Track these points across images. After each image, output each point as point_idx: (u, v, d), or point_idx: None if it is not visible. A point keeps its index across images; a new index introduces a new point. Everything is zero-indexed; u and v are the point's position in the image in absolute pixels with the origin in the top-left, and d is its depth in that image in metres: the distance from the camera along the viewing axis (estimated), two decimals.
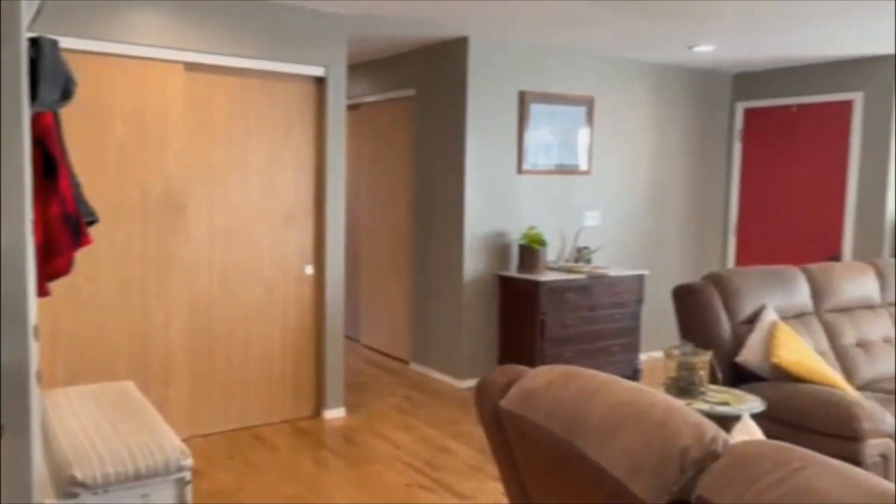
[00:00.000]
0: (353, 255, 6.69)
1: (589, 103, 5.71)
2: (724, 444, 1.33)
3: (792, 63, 5.93)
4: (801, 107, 6.03)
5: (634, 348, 5.51)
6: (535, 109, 5.44)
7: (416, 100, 5.69)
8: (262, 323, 4.40)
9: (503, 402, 1.83)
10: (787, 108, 6.14)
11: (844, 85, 5.71)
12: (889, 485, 1.07)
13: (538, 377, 1.80)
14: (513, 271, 5.36)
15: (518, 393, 1.79)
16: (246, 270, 4.33)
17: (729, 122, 6.57)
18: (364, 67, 6.30)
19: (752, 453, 1.25)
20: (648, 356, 6.16)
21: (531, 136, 5.44)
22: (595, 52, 5.62)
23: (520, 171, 5.41)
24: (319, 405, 4.63)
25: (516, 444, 1.80)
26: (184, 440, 4.12)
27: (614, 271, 5.42)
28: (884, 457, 2.89)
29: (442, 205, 5.44)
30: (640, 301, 5.50)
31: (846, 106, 5.70)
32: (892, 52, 5.36)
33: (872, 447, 2.85)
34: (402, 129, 5.94)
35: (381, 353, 6.34)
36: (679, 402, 1.48)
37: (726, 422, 2.65)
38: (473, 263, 5.28)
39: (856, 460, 2.84)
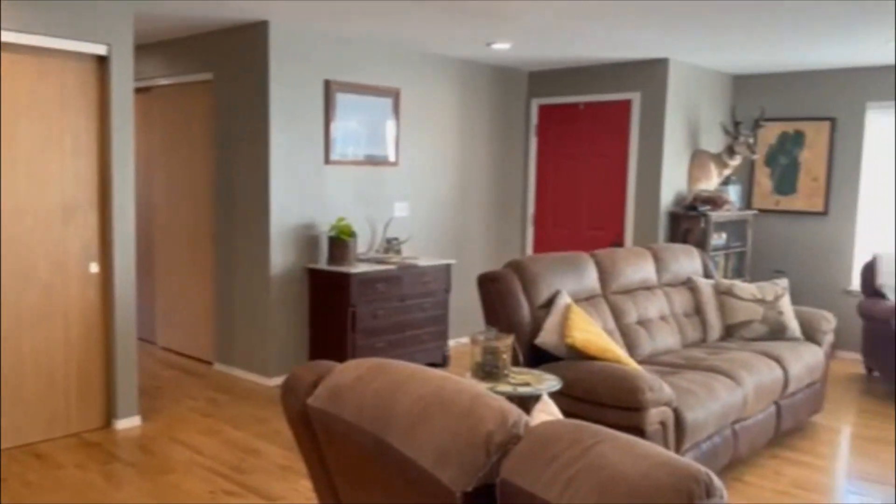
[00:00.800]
0: (146, 251, 6.21)
1: (395, 95, 5.74)
2: (526, 427, 1.37)
3: (579, 64, 6.37)
4: (587, 104, 6.51)
5: (443, 336, 5.65)
6: (342, 99, 5.37)
7: (214, 84, 5.38)
8: (39, 328, 3.93)
9: (311, 400, 1.76)
10: (575, 105, 6.59)
11: (624, 85, 6.24)
12: (671, 454, 1.16)
13: (346, 372, 1.76)
14: (322, 264, 5.26)
15: (326, 390, 1.74)
16: (16, 270, 3.84)
17: (525, 118, 6.93)
18: (155, 48, 5.85)
19: (550, 433, 1.30)
20: (457, 342, 6.35)
21: (339, 127, 5.36)
22: (399, 44, 5.66)
23: (328, 161, 5.31)
24: (110, 415, 4.25)
25: (325, 442, 1.75)
26: None
27: (423, 261, 5.51)
28: (662, 424, 3.20)
29: (246, 196, 5.20)
30: (447, 290, 5.65)
31: (626, 105, 6.24)
32: (664, 56, 5.94)
33: (653, 416, 3.14)
34: (200, 116, 5.60)
35: (181, 354, 5.96)
36: (484, 389, 1.51)
37: (528, 402, 2.78)
38: (281, 257, 5.11)
39: (640, 428, 3.11)
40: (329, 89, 5.27)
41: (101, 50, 4.01)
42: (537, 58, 6.12)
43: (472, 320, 6.47)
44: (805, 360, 4.26)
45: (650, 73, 6.07)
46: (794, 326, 4.56)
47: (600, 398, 3.24)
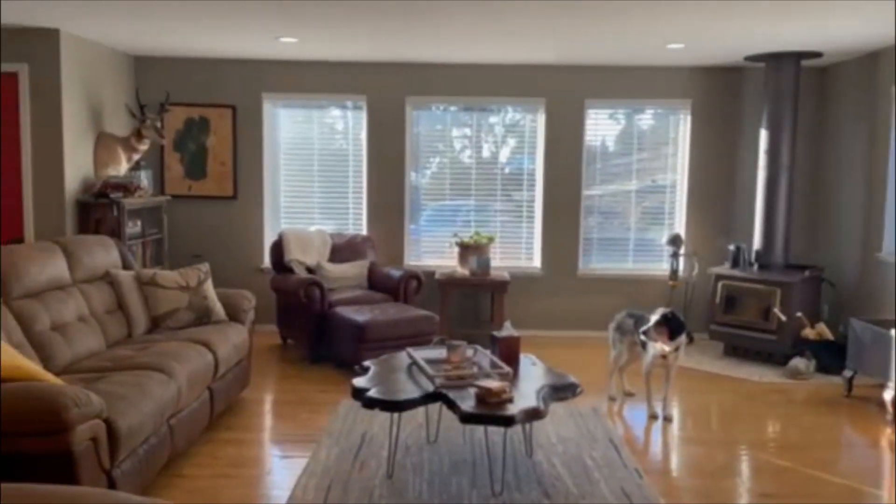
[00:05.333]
0: None
1: None
2: None
3: None
4: None
5: None
6: None
7: None
8: None
9: None
10: None
11: (7, 55, 5.34)
12: None
13: None
14: None
15: None
16: None
17: None
18: None
19: None
20: None
21: None
22: None
23: None
24: None
25: None
26: None
27: None
28: (94, 440, 2.84)
29: None
30: None
31: (12, 78, 5.35)
32: (54, 26, 5.28)
33: (81, 433, 2.76)
34: None
35: None
36: None
37: None
38: None
39: (67, 451, 2.71)
40: None
41: None
42: None
43: None
44: (232, 340, 4.40)
45: (38, 44, 5.32)
46: (218, 309, 4.65)
47: (15, 427, 2.69)
